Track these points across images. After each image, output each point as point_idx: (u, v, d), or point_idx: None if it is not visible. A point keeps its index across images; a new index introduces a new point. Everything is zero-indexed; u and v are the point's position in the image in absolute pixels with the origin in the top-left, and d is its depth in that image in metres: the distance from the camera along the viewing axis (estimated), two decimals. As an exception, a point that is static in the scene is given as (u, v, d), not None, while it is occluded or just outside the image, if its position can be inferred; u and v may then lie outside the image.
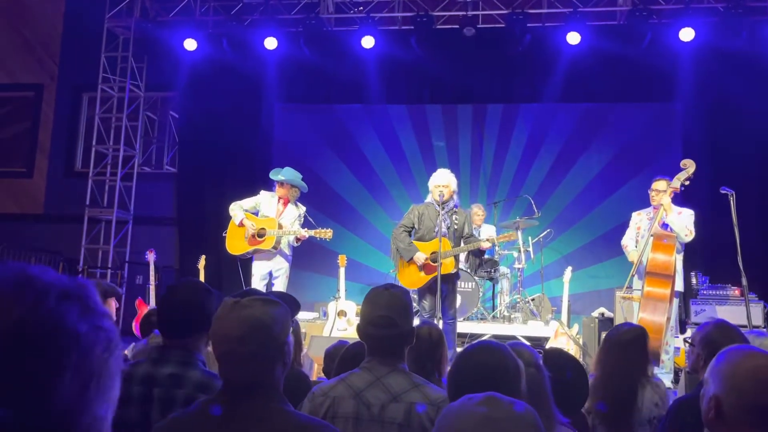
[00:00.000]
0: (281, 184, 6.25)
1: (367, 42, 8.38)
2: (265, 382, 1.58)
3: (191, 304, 2.11)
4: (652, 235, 5.41)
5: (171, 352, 2.07)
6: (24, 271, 0.67)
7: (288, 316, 1.68)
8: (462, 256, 6.87)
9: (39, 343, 0.62)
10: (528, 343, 2.41)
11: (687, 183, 5.53)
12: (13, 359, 0.60)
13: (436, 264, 5.43)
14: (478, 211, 7.71)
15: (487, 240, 5.73)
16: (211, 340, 1.64)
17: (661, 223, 5.57)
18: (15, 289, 0.64)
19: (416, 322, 3.89)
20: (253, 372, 1.57)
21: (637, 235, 5.93)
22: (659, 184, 5.76)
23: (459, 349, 6.04)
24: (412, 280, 5.69)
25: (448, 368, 1.79)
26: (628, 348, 2.86)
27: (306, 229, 6.20)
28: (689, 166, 5.49)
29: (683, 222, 5.56)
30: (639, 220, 6.02)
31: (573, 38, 8.03)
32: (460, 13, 8.44)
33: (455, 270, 5.61)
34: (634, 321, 5.14)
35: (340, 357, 2.93)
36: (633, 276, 5.67)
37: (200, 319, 2.08)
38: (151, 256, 7.54)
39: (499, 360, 1.65)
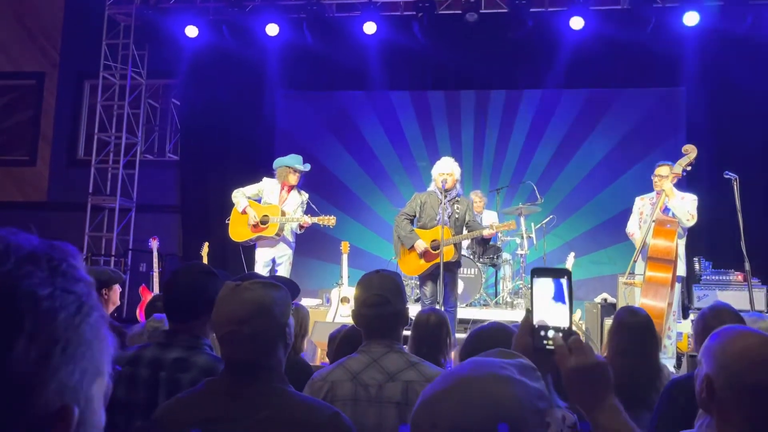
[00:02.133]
0: (294, 171, 6.24)
1: (369, 28, 8.34)
2: (267, 362, 1.62)
3: (195, 288, 2.12)
4: (654, 221, 5.42)
5: (177, 336, 2.09)
6: None
7: (288, 299, 1.70)
8: (464, 243, 6.88)
9: None
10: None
11: (689, 168, 5.54)
12: None
13: (436, 252, 5.46)
14: (476, 198, 7.70)
15: (490, 227, 5.76)
16: (214, 322, 1.67)
17: (663, 208, 5.57)
18: None
19: (418, 308, 3.92)
20: (256, 352, 1.60)
21: (641, 221, 5.93)
22: (662, 170, 5.76)
23: (459, 336, 6.08)
24: (412, 267, 5.76)
25: (458, 349, 1.81)
26: (643, 331, 2.85)
27: (309, 215, 6.22)
28: (691, 152, 5.50)
29: (685, 207, 5.56)
30: (642, 205, 6.02)
31: (576, 23, 7.98)
32: (463, -2, 8.38)
33: (455, 258, 5.63)
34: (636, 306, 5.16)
35: (338, 340, 2.94)
36: (636, 261, 5.68)
37: (205, 303, 2.09)
38: (154, 244, 7.57)
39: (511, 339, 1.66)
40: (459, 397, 0.91)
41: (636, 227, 5.97)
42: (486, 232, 5.64)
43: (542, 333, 1.17)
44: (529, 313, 1.18)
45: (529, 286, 1.19)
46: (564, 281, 1.17)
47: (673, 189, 5.58)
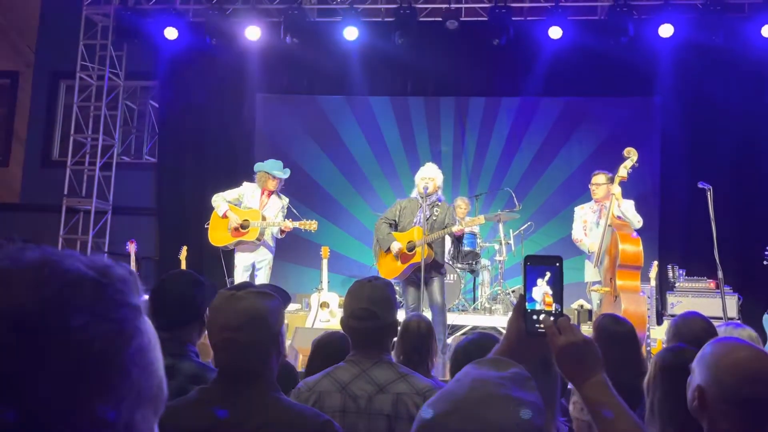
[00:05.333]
0: (273, 177, 6.24)
1: (350, 33, 8.36)
2: (261, 370, 1.64)
3: (183, 296, 2.12)
4: (610, 225, 5.57)
5: (163, 343, 2.07)
6: (39, 259, 0.60)
7: (281, 308, 1.72)
8: (446, 248, 6.94)
9: (20, 338, 0.57)
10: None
11: (630, 171, 5.71)
12: None
13: (410, 253, 5.57)
14: (461, 204, 7.78)
15: (460, 223, 5.89)
16: (208, 329, 1.69)
17: (615, 214, 5.72)
18: (14, 278, 0.58)
19: (402, 314, 3.96)
20: (249, 360, 1.62)
21: (584, 228, 6.13)
22: (598, 178, 6.04)
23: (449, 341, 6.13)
24: (389, 269, 5.85)
25: (449, 359, 1.83)
26: (627, 342, 2.90)
27: (291, 220, 6.21)
28: (633, 154, 5.67)
29: (632, 210, 5.74)
30: (583, 213, 6.25)
31: (555, 32, 8.09)
32: (443, 5, 8.45)
33: (430, 260, 5.66)
34: (603, 311, 5.28)
35: (314, 347, 2.94)
36: (597, 267, 5.84)
37: (192, 310, 2.09)
38: (131, 247, 7.47)
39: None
40: (458, 424, 0.92)
41: (582, 234, 6.16)
42: (455, 229, 5.68)
43: (534, 317, 1.21)
44: (522, 298, 1.22)
45: (522, 272, 1.24)
46: (555, 268, 1.22)
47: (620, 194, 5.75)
